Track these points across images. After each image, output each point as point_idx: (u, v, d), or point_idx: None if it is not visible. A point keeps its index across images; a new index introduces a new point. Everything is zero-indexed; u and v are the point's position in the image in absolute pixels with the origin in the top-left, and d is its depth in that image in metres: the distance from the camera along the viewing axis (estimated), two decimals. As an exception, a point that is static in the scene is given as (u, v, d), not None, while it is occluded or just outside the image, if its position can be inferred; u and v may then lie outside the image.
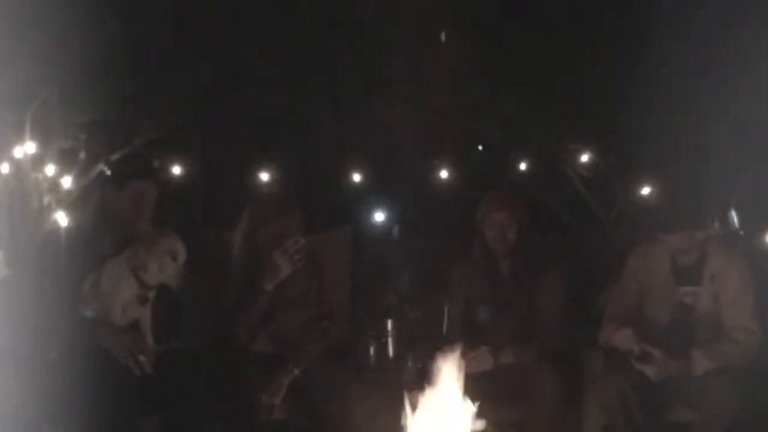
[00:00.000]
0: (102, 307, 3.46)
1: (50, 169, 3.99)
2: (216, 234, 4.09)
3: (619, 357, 3.55)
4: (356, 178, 4.76)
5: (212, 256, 3.85)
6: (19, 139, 3.85)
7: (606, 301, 3.91)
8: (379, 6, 4.32)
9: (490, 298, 3.87)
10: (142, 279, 3.49)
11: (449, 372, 2.89)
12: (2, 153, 3.81)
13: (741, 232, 4.18)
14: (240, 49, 4.40)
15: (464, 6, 4.27)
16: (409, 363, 3.96)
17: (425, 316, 4.41)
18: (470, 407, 2.87)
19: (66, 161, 4.08)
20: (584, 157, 4.47)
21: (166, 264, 3.51)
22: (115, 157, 4.14)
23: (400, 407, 2.88)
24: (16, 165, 3.87)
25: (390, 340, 4.34)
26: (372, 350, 4.32)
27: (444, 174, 4.76)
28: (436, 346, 3.18)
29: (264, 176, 4.63)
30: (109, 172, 3.98)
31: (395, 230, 5.06)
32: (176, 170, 4.59)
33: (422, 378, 2.96)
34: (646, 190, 4.31)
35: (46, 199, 3.98)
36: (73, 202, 4.01)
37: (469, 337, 3.66)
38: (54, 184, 4.00)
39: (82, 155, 4.10)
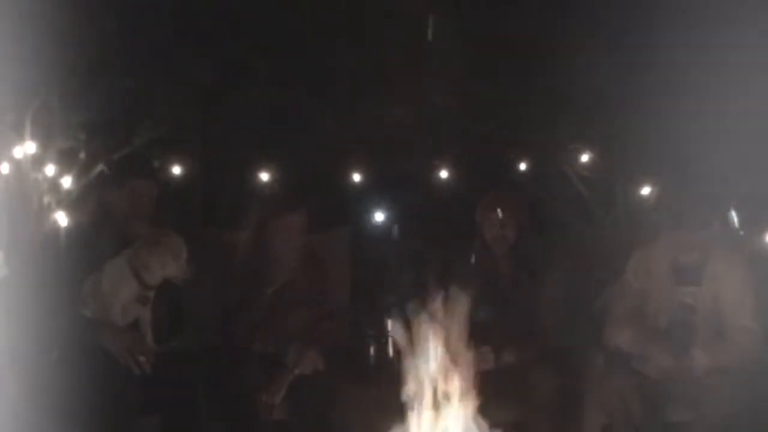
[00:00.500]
0: (102, 307, 3.46)
1: (50, 169, 3.98)
2: (216, 234, 4.09)
3: (620, 357, 3.55)
4: (356, 178, 4.76)
5: (212, 256, 3.85)
6: (19, 139, 3.85)
7: (606, 301, 3.92)
8: (379, 6, 4.32)
9: (490, 298, 3.87)
10: (144, 279, 3.49)
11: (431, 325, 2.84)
12: (2, 153, 3.80)
13: (741, 232, 4.18)
14: (240, 49, 4.40)
15: (464, 6, 4.27)
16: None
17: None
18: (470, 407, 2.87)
19: (66, 161, 4.06)
20: (584, 157, 4.47)
21: (168, 264, 3.51)
22: (115, 157, 4.14)
23: (400, 407, 2.88)
24: (16, 165, 3.86)
25: (390, 340, 4.34)
26: (372, 350, 4.32)
27: (444, 174, 4.76)
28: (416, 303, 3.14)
29: (264, 176, 4.63)
30: (109, 172, 3.98)
31: (395, 230, 5.06)
32: (176, 170, 4.58)
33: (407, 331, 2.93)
34: (646, 190, 4.31)
35: (46, 199, 3.97)
36: (73, 202, 4.00)
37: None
38: (54, 184, 3.99)
39: (82, 155, 4.09)
